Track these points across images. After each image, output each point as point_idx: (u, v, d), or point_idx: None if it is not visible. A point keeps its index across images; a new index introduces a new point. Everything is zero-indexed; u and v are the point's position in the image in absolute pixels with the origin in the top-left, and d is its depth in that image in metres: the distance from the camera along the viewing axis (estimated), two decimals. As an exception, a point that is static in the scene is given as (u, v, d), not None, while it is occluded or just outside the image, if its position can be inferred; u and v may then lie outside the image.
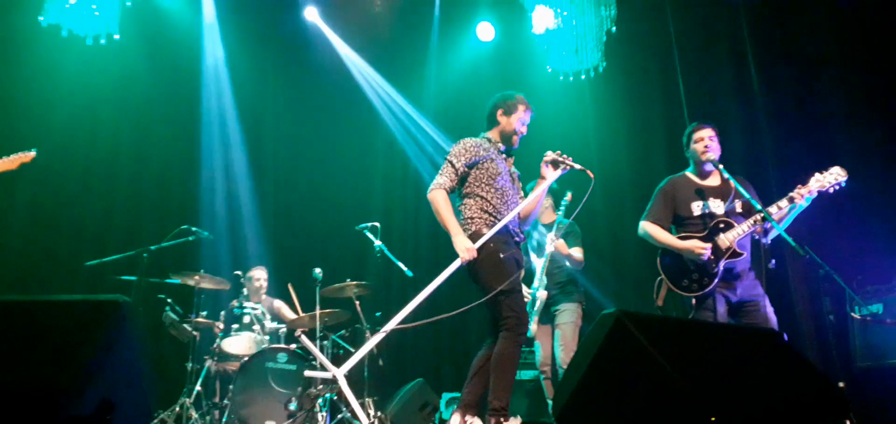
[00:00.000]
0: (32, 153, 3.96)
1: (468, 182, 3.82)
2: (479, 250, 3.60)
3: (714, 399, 2.28)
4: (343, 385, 3.52)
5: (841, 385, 4.27)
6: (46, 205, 6.42)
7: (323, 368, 3.69)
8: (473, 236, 3.66)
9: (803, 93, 5.99)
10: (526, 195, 4.03)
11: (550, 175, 3.87)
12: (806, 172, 4.00)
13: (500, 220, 3.69)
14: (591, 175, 3.78)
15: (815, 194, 3.89)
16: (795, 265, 5.39)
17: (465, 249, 3.57)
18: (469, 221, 3.74)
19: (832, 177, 3.90)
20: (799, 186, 3.92)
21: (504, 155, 3.97)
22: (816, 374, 2.88)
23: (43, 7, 5.56)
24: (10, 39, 6.22)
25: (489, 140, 3.97)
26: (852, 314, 4.76)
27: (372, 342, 3.92)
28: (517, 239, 3.82)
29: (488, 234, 3.61)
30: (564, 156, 3.86)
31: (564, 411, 2.48)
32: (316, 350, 3.78)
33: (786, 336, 3.82)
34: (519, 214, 3.86)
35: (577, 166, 3.84)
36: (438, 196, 3.74)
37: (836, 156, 4.04)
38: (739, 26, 6.38)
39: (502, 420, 3.43)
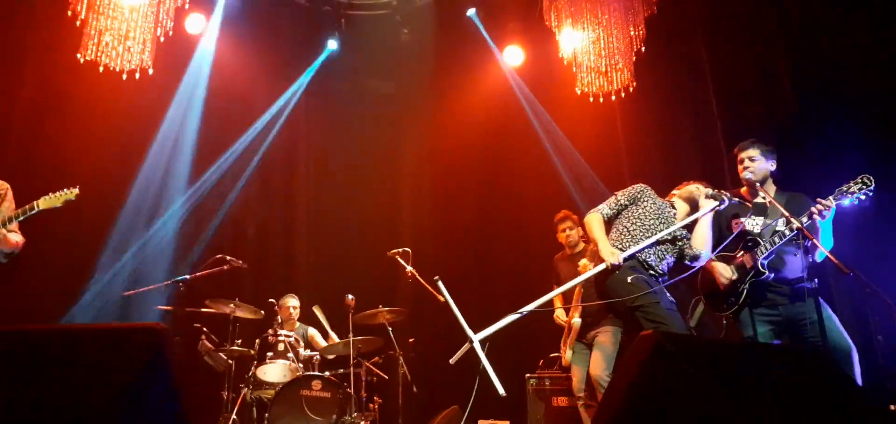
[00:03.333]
0: (76, 191, 4.06)
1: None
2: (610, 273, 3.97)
3: (756, 421, 2.21)
4: (479, 350, 3.80)
5: (892, 407, 4.10)
6: (83, 236, 6.56)
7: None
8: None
9: (841, 111, 5.85)
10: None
11: (707, 205, 4.15)
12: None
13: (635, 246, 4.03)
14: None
15: (833, 208, 3.78)
16: (840, 285, 5.23)
17: (611, 254, 3.97)
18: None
19: (856, 186, 3.79)
20: (819, 200, 3.82)
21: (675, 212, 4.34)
22: (864, 396, 2.77)
23: (80, 44, 5.71)
24: (51, 77, 6.42)
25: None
26: (902, 333, 4.59)
27: (512, 316, 3.97)
28: (652, 273, 4.06)
29: (629, 251, 4.00)
30: (724, 193, 4.17)
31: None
32: (455, 308, 3.98)
33: (854, 351, 3.71)
34: (698, 243, 4.14)
35: (735, 200, 4.15)
36: (592, 218, 4.27)
37: (879, 170, 3.91)
38: (773, 44, 6.28)
39: None
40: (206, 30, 7.29)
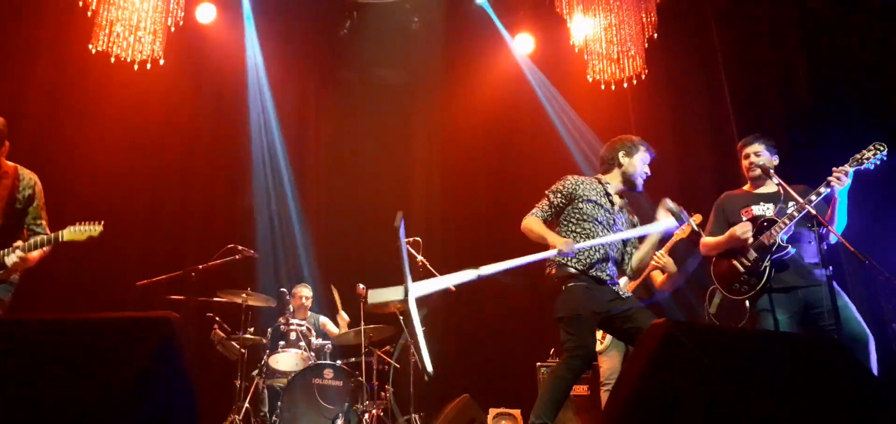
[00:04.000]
0: (100, 228, 4.12)
1: (562, 218, 3.90)
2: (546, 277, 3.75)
3: (771, 412, 2.19)
4: (412, 308, 3.60)
5: (907, 396, 4.06)
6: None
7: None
8: (558, 270, 3.73)
9: (856, 103, 5.78)
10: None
11: (664, 222, 3.80)
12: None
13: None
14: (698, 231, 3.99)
15: (851, 173, 3.78)
16: (854, 272, 5.19)
17: (564, 242, 3.60)
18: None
19: (870, 152, 3.79)
20: (834, 168, 3.81)
21: (610, 198, 3.93)
22: (881, 389, 2.75)
23: (92, 35, 5.74)
24: (63, 68, 6.45)
25: (599, 181, 3.99)
26: (918, 321, 4.56)
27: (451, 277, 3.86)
28: (598, 278, 3.75)
29: (578, 245, 3.64)
30: (683, 210, 3.83)
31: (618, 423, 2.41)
32: (405, 257, 3.82)
33: (871, 340, 3.68)
34: (637, 267, 3.92)
35: (696, 227, 3.98)
36: (530, 221, 3.87)
37: (892, 154, 3.87)
38: (787, 31, 6.20)
39: None
40: (216, 19, 7.30)
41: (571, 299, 3.66)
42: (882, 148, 3.78)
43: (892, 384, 4.28)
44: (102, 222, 4.17)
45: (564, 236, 3.76)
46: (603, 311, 3.68)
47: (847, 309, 3.76)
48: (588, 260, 3.72)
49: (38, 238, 3.98)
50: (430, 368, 3.48)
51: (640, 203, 4.26)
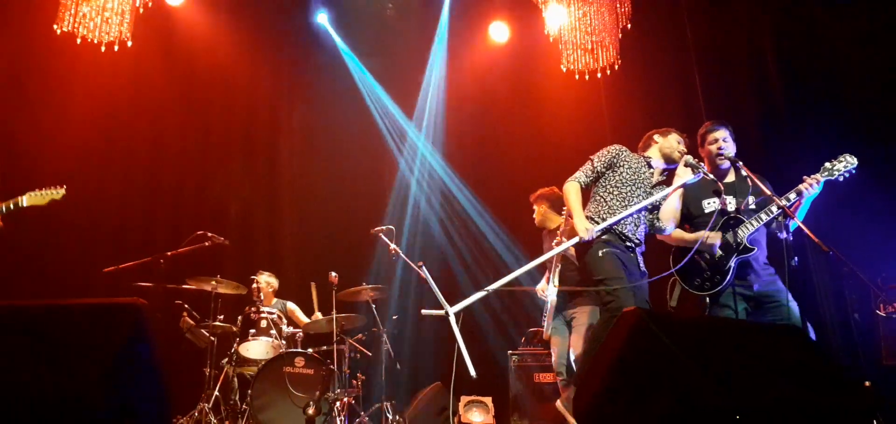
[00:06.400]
0: (63, 191, 4.03)
1: (601, 181, 4.16)
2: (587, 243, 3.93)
3: (738, 397, 2.24)
4: (453, 323, 3.79)
5: (867, 383, 4.18)
6: (62, 212, 6.47)
7: (439, 306, 3.88)
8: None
9: (825, 88, 5.90)
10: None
11: (685, 175, 4.08)
12: (827, 169, 3.94)
13: (612, 218, 3.96)
14: (720, 187, 4.02)
15: (822, 183, 3.86)
16: (819, 263, 5.30)
17: (585, 228, 3.90)
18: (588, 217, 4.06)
19: (841, 164, 3.86)
20: (805, 176, 3.89)
21: (650, 169, 4.22)
22: (842, 372, 2.82)
23: (57, 16, 5.59)
24: (27, 48, 6.29)
25: (643, 156, 4.28)
26: (878, 311, 4.68)
27: (484, 291, 4.11)
28: (629, 244, 4.04)
29: (603, 224, 3.93)
30: (701, 163, 4.07)
31: (587, 413, 2.44)
32: (433, 284, 3.98)
33: (811, 330, 3.78)
34: (665, 217, 4.12)
35: (711, 177, 4.02)
36: (569, 187, 4.14)
37: (859, 151, 3.96)
38: (759, 24, 6.30)
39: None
40: (186, 1, 7.16)
41: (610, 261, 3.87)
42: (852, 161, 3.86)
43: (853, 371, 4.40)
44: (64, 186, 4.08)
45: (599, 201, 4.09)
46: (632, 271, 3.96)
47: (792, 303, 3.85)
48: (622, 227, 4.00)
49: (0, 205, 3.87)
50: (473, 372, 3.69)
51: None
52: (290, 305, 6.46)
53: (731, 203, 4.05)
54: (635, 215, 4.05)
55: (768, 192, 3.85)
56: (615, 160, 4.14)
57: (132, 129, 7.01)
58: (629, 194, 4.05)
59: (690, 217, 4.17)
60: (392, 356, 5.96)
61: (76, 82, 6.51)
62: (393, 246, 5.68)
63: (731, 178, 4.17)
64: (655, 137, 4.30)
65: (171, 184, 7.17)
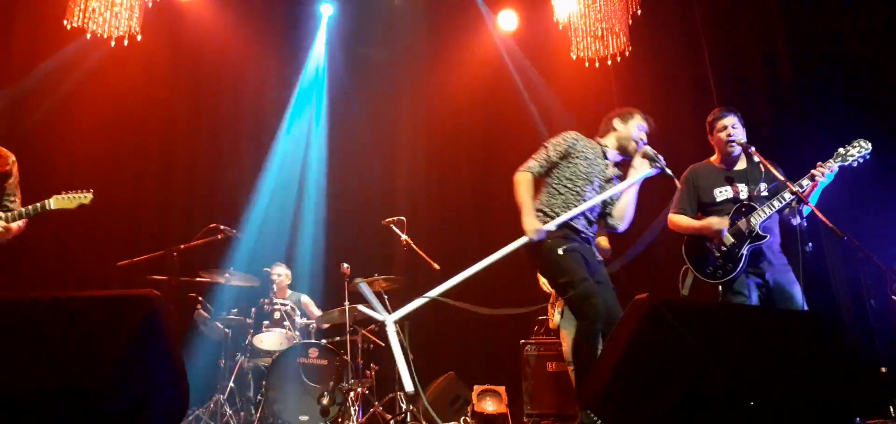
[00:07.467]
0: (90, 195, 4.06)
1: (555, 172, 3.88)
2: (539, 243, 3.65)
3: (752, 384, 2.22)
4: (391, 332, 3.66)
5: (883, 370, 4.15)
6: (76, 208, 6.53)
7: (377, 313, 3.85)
8: (550, 235, 3.70)
9: (837, 72, 5.83)
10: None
11: (642, 169, 3.86)
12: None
13: (565, 214, 3.71)
14: (678, 184, 3.92)
15: (836, 169, 3.81)
16: (833, 249, 5.26)
17: (533, 229, 3.63)
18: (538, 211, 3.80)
19: (855, 150, 3.81)
20: (819, 163, 3.84)
21: (606, 159, 3.96)
22: (858, 358, 2.80)
23: (67, 11, 5.62)
24: (38, 43, 6.33)
25: (598, 143, 4.00)
26: (894, 297, 4.63)
27: (421, 299, 3.94)
28: (583, 235, 3.82)
29: (554, 223, 3.67)
30: (659, 155, 3.87)
31: (601, 399, 2.44)
32: (370, 294, 3.89)
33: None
34: (619, 215, 3.91)
35: (669, 172, 3.85)
36: (520, 178, 3.84)
37: (873, 136, 3.91)
38: (769, 8, 6.22)
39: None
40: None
41: (572, 260, 3.63)
42: (866, 146, 3.80)
43: (868, 356, 4.36)
44: (92, 190, 4.12)
45: (552, 193, 3.81)
46: (592, 266, 3.73)
47: (795, 287, 3.82)
48: (575, 221, 3.76)
49: (28, 207, 3.92)
50: (409, 387, 3.60)
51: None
52: (305, 297, 6.50)
53: (743, 191, 4.02)
54: (590, 212, 3.81)
55: (781, 178, 3.82)
56: (570, 150, 3.86)
57: (143, 123, 7.05)
58: (583, 187, 3.79)
59: (703, 206, 4.14)
60: (405, 347, 5.97)
61: (87, 77, 6.55)
62: (404, 237, 5.70)
63: (742, 165, 4.14)
64: (615, 121, 4.02)
65: (183, 177, 7.21)
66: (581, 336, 3.52)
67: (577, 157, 3.84)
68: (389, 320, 3.72)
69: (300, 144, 7.90)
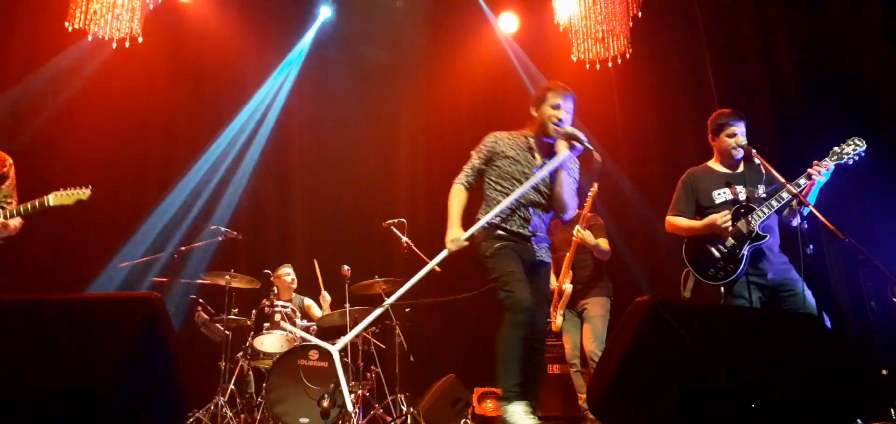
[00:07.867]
0: (89, 191, 4.07)
1: (486, 176, 3.82)
2: (474, 245, 3.66)
3: (753, 385, 2.22)
4: (337, 360, 3.82)
5: (884, 372, 4.14)
6: (77, 208, 6.53)
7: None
8: (484, 236, 3.68)
9: (838, 75, 5.83)
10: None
11: (563, 152, 3.69)
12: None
13: (492, 210, 3.65)
14: (598, 158, 3.68)
15: (833, 168, 3.82)
16: (834, 252, 5.26)
17: (451, 240, 3.65)
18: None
19: (850, 148, 3.83)
20: (815, 161, 3.85)
21: (532, 152, 3.81)
22: (858, 360, 2.80)
23: (68, 13, 5.63)
24: (39, 46, 6.34)
25: (526, 136, 3.86)
26: (895, 299, 4.63)
27: (366, 321, 4.08)
28: (523, 236, 3.68)
29: (474, 228, 3.65)
30: (579, 132, 3.71)
31: (602, 402, 2.44)
32: (303, 333, 4.13)
33: (826, 319, 3.75)
34: (557, 204, 3.72)
35: (589, 146, 3.67)
36: (452, 190, 3.84)
37: (872, 139, 3.91)
38: (770, 9, 6.23)
39: (502, 403, 3.44)
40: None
41: (502, 258, 3.58)
42: (861, 144, 3.82)
43: (868, 358, 4.36)
44: (90, 186, 4.13)
45: (489, 200, 3.75)
46: (528, 264, 3.64)
47: (807, 292, 3.81)
48: (506, 220, 3.66)
49: (27, 204, 3.93)
50: (351, 407, 3.77)
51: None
52: (307, 300, 6.50)
53: (741, 193, 4.04)
54: (519, 210, 3.66)
55: (781, 179, 3.82)
56: (491, 152, 3.78)
57: (145, 125, 7.06)
58: (515, 186, 3.66)
59: (701, 209, 4.14)
60: (405, 349, 5.98)
61: (88, 79, 6.56)
62: (404, 239, 5.70)
63: (741, 167, 4.16)
64: (531, 109, 3.85)
65: (184, 179, 7.21)
66: (505, 329, 3.51)
67: (500, 157, 3.76)
68: (334, 350, 3.94)
69: (300, 146, 7.89)
